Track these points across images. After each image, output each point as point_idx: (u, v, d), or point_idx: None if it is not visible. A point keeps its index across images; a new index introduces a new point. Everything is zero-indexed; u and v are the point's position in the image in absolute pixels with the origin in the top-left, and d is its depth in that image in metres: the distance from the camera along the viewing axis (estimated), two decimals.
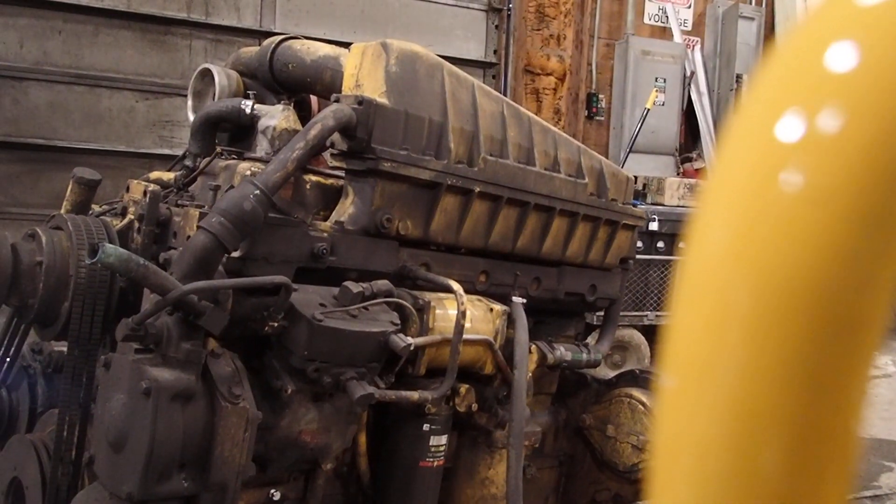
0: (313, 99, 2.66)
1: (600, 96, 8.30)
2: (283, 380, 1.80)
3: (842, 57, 0.37)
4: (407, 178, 2.03)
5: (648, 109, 7.08)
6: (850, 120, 0.36)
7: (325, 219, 2.02)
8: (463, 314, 1.97)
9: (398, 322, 1.90)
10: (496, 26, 6.81)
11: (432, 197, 2.10)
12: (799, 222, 0.37)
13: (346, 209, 2.01)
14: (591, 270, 2.61)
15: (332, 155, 2.05)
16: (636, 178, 4.55)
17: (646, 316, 5.47)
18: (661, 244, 5.51)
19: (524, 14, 7.20)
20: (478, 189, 2.16)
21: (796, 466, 0.38)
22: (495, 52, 6.84)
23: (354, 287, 1.86)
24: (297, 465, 1.95)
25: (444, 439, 2.09)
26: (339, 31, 5.95)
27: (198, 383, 1.69)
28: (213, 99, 2.42)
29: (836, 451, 0.39)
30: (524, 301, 2.24)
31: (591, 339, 2.80)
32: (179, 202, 2.05)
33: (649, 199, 5.84)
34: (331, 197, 2.07)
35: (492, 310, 2.14)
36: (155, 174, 2.45)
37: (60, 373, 2.08)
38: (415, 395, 1.94)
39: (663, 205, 5.71)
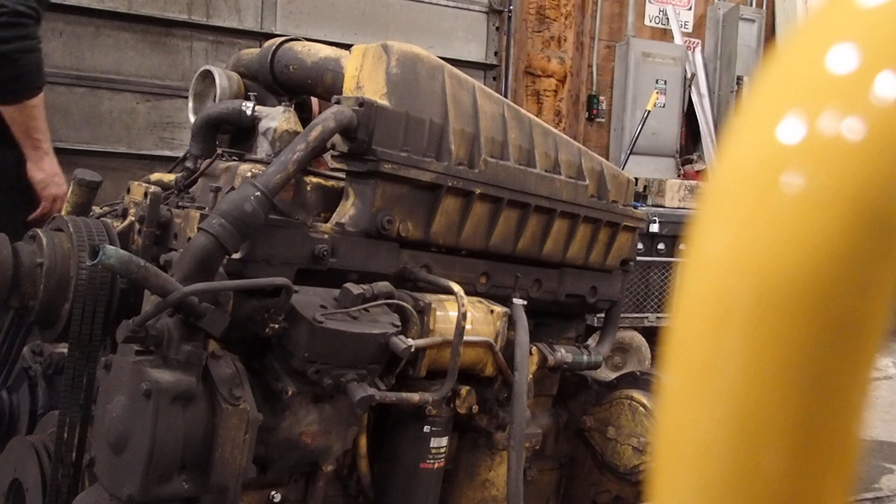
0: (314, 101, 2.66)
1: (601, 98, 8.30)
2: (283, 381, 1.80)
3: (843, 59, 0.37)
4: (408, 180, 2.03)
5: (649, 111, 7.08)
6: (852, 122, 0.36)
7: (326, 220, 2.02)
8: (464, 316, 1.97)
9: (399, 324, 1.90)
10: (497, 28, 6.82)
11: (433, 199, 2.10)
12: (800, 224, 0.37)
13: (346, 211, 2.01)
14: (591, 272, 2.61)
15: (332, 156, 2.05)
16: (637, 179, 4.55)
17: (647, 318, 5.47)
18: (661, 246, 5.51)
19: (525, 16, 7.20)
20: (478, 191, 2.16)
21: (797, 469, 0.38)
22: (496, 53, 6.85)
23: (355, 289, 1.86)
24: (298, 466, 1.95)
25: (444, 441, 2.09)
26: (339, 32, 5.95)
27: (198, 385, 1.69)
28: (214, 101, 2.42)
29: (838, 453, 0.39)
30: (525, 303, 2.24)
31: (591, 341, 2.80)
32: (180, 204, 2.05)
33: (650, 201, 5.84)
34: (332, 198, 2.07)
35: (492, 311, 2.14)
36: (156, 176, 2.45)
37: (61, 374, 2.08)
38: (415, 396, 1.94)
39: (664, 206, 5.71)
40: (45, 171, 2.80)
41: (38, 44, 2.56)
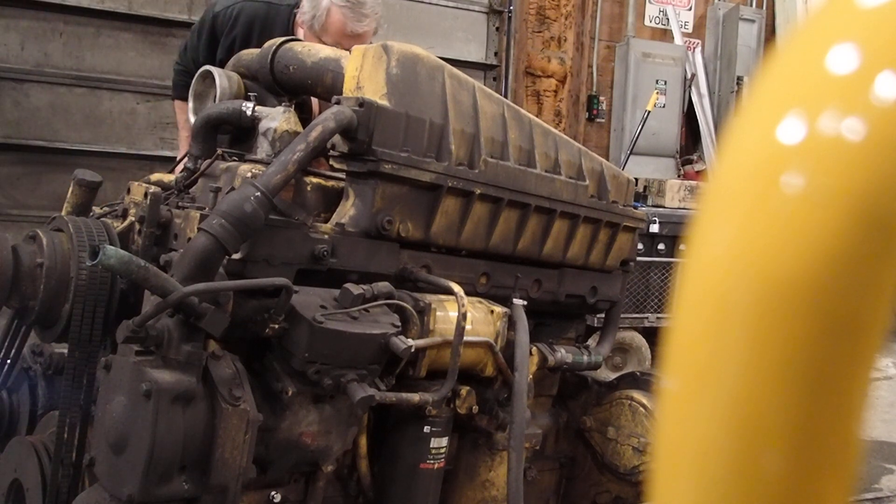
0: (314, 101, 2.66)
1: (601, 98, 8.30)
2: (283, 382, 1.80)
3: (843, 59, 0.37)
4: (408, 180, 2.03)
5: (649, 111, 7.07)
6: (852, 122, 0.36)
7: (326, 221, 2.02)
8: (464, 316, 1.97)
9: (399, 324, 1.90)
10: (497, 28, 6.82)
11: (433, 199, 2.10)
12: (800, 224, 0.37)
13: (346, 211, 2.01)
14: (591, 272, 2.61)
15: (332, 157, 2.04)
16: (637, 180, 4.55)
17: (647, 318, 5.47)
18: (661, 246, 5.51)
19: (525, 16, 7.20)
20: (478, 191, 2.16)
21: (797, 469, 0.38)
22: (496, 54, 6.85)
23: (355, 289, 1.86)
24: (298, 467, 1.95)
25: (444, 441, 2.09)
26: None
27: (198, 385, 1.69)
28: (214, 101, 2.42)
29: (838, 453, 0.39)
30: (525, 303, 2.24)
31: (591, 342, 2.80)
32: (180, 204, 2.05)
33: (650, 201, 5.84)
34: (332, 199, 2.07)
35: (492, 312, 2.14)
36: (156, 176, 2.45)
37: (61, 375, 2.08)
38: (415, 396, 1.94)
39: (664, 207, 5.71)
40: None
41: (176, 75, 3.40)
